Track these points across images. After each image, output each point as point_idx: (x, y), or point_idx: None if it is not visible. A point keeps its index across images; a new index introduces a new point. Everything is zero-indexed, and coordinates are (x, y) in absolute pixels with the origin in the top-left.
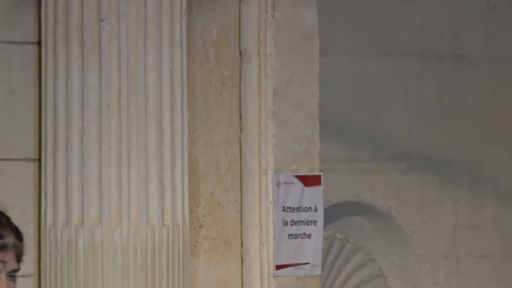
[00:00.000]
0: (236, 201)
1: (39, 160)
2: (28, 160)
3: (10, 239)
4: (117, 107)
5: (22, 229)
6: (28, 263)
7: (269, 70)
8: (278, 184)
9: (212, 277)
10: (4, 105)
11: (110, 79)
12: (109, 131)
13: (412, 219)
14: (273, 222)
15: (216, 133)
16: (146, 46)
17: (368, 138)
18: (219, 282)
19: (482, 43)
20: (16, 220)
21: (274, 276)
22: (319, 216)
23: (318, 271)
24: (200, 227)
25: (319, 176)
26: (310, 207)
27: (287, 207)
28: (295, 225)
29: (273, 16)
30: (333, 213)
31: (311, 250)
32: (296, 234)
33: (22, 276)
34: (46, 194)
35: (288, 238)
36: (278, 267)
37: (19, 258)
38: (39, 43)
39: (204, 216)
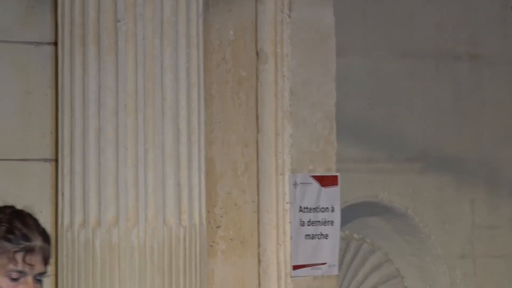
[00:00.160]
0: (253, 202)
1: (56, 160)
2: (45, 160)
3: (37, 242)
4: (133, 107)
5: None
6: None
7: (286, 71)
8: (295, 184)
9: (229, 277)
10: (21, 105)
11: (127, 79)
12: (125, 131)
13: (429, 219)
14: (290, 222)
15: (233, 133)
16: (162, 46)
17: (385, 138)
18: (236, 282)
19: (498, 43)
20: None
21: (291, 277)
22: (336, 217)
23: (335, 271)
24: (217, 227)
25: (336, 177)
26: (327, 208)
27: (304, 208)
28: (312, 225)
29: (289, 16)
30: (350, 214)
31: (328, 250)
32: (313, 235)
33: None
34: (63, 195)
35: (305, 238)
36: (295, 267)
37: (46, 261)
38: (55, 44)
39: (221, 217)
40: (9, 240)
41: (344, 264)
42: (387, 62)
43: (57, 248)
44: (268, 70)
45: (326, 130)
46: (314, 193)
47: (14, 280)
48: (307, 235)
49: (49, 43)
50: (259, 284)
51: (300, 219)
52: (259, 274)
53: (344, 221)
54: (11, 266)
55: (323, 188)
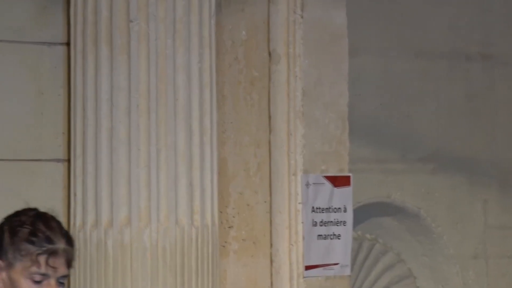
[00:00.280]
0: (265, 202)
1: (68, 160)
2: (57, 160)
3: (61, 245)
4: (146, 107)
5: None
6: None
7: (298, 71)
8: (307, 184)
9: (242, 277)
10: (34, 105)
11: (139, 79)
12: (138, 131)
13: (441, 219)
14: (302, 222)
15: (245, 133)
16: (175, 46)
17: (397, 138)
18: (249, 282)
19: (511, 43)
20: None
21: (304, 277)
22: (349, 217)
23: (347, 271)
24: (230, 227)
25: (348, 177)
26: (340, 208)
27: (317, 208)
28: (325, 225)
29: (302, 17)
30: (362, 214)
31: (340, 250)
32: (325, 235)
33: None
34: (75, 195)
35: (318, 238)
36: (308, 267)
37: (69, 263)
38: (68, 44)
39: (234, 217)
40: (32, 243)
41: (357, 265)
42: (399, 63)
43: None
44: (281, 71)
45: (339, 130)
46: (327, 194)
47: (37, 282)
48: (319, 235)
49: (61, 43)
50: (272, 285)
51: (313, 220)
52: (271, 275)
53: (357, 221)
54: (34, 269)
55: (335, 189)
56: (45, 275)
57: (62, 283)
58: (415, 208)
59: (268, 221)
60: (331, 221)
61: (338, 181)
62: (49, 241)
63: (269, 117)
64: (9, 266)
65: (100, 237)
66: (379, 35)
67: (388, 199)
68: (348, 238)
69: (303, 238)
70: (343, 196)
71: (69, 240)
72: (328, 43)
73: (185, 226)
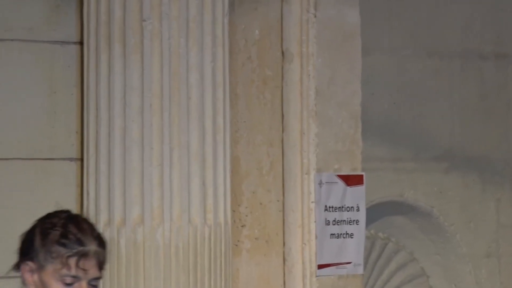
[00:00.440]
0: (278, 201)
1: (81, 159)
2: (70, 159)
3: (92, 247)
4: (159, 107)
5: None
6: None
7: (311, 70)
8: (320, 183)
9: (254, 276)
10: (47, 104)
11: (152, 79)
12: (151, 130)
13: (454, 218)
14: (315, 221)
15: (258, 132)
16: (188, 46)
17: (410, 137)
18: (261, 281)
19: None
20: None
21: (316, 276)
22: (361, 216)
23: (360, 270)
24: (242, 226)
25: (361, 176)
26: (352, 207)
27: (329, 207)
28: (337, 224)
29: (315, 16)
30: (375, 213)
31: (353, 249)
32: (338, 234)
33: None
34: (88, 194)
35: (330, 237)
36: (320, 266)
37: (101, 266)
38: (81, 43)
39: (246, 216)
40: (63, 245)
41: (369, 263)
42: (413, 62)
43: None
44: (294, 70)
45: (352, 129)
46: (340, 192)
47: (68, 285)
48: (332, 234)
49: (74, 43)
50: (284, 283)
51: (325, 218)
52: (284, 273)
53: (369, 220)
54: (64, 271)
55: (348, 187)
56: (75, 277)
57: (94, 286)
58: (428, 207)
59: (281, 220)
60: (344, 220)
61: (351, 180)
62: (80, 243)
63: (282, 116)
64: (40, 268)
65: (113, 236)
66: (392, 34)
67: (401, 198)
68: (361, 237)
69: (316, 237)
70: (356, 195)
71: (101, 242)
72: (341, 42)
73: (198, 225)
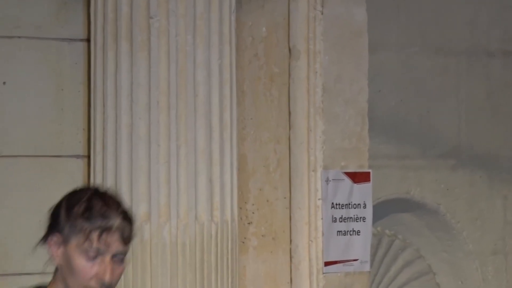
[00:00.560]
0: (285, 198)
1: (88, 157)
2: (77, 157)
3: (116, 221)
4: (166, 104)
5: None
6: None
7: (318, 67)
8: (327, 180)
9: (261, 273)
10: (54, 102)
11: (159, 76)
12: (158, 128)
13: (461, 215)
14: (322, 218)
15: (265, 130)
16: (195, 43)
17: (417, 135)
18: (268, 278)
19: None
20: None
21: (323, 273)
22: (368, 213)
23: (367, 267)
24: (249, 223)
25: (368, 173)
26: (359, 204)
27: (336, 204)
28: (344, 221)
29: (322, 13)
30: (382, 210)
31: (360, 246)
32: (345, 231)
33: None
34: None
35: (337, 234)
36: (327, 263)
37: (125, 240)
38: (88, 40)
39: (253, 213)
40: (87, 219)
41: (376, 261)
42: (420, 59)
43: None
44: (301, 67)
45: (359, 127)
46: (346, 190)
47: (92, 258)
48: (339, 231)
49: (81, 40)
50: (291, 280)
51: (332, 216)
52: (290, 271)
53: (376, 217)
54: (87, 245)
55: (355, 185)
56: (98, 251)
57: (119, 261)
58: (434, 204)
59: (288, 217)
60: (351, 217)
61: (358, 177)
62: (103, 217)
63: (289, 113)
64: (65, 241)
65: None
66: (399, 31)
67: (407, 195)
68: (368, 234)
69: (323, 234)
70: (363, 192)
71: (126, 217)
72: (348, 39)
73: (205, 222)
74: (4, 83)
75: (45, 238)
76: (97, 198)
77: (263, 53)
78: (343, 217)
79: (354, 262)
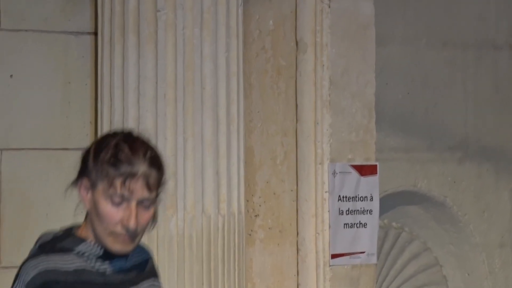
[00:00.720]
0: (291, 191)
1: None
2: None
3: (141, 167)
4: (173, 97)
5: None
6: None
7: (325, 60)
8: (334, 173)
9: (268, 266)
10: (61, 95)
11: (166, 69)
12: (165, 121)
13: (468, 208)
14: (328, 211)
15: (272, 122)
16: (202, 36)
17: (424, 127)
18: (275, 271)
19: None
20: (71, 211)
21: (330, 265)
22: (375, 205)
23: (373, 260)
24: (256, 216)
25: (375, 166)
26: (366, 197)
27: (343, 197)
28: (351, 214)
29: (329, 6)
30: (389, 202)
31: (366, 239)
32: (351, 223)
33: None
34: None
35: (344, 227)
36: (334, 256)
37: (151, 187)
38: (95, 33)
39: (260, 205)
40: (112, 165)
41: (383, 253)
42: (427, 52)
43: None
44: (308, 60)
45: (366, 120)
46: (353, 182)
47: (117, 204)
48: (345, 224)
49: (89, 33)
50: (298, 273)
51: (339, 208)
52: (297, 263)
53: (383, 210)
54: (112, 191)
55: (362, 177)
56: (123, 197)
57: (146, 207)
58: (441, 196)
59: (295, 209)
60: (358, 210)
61: (365, 170)
62: (128, 163)
63: (296, 106)
64: (93, 186)
65: None
66: (407, 24)
67: (414, 187)
68: (375, 226)
69: (330, 226)
70: (370, 185)
71: (153, 163)
72: (355, 32)
73: (212, 215)
74: (11, 76)
75: (76, 182)
76: (125, 143)
77: (270, 46)
78: (350, 209)
79: (361, 254)
